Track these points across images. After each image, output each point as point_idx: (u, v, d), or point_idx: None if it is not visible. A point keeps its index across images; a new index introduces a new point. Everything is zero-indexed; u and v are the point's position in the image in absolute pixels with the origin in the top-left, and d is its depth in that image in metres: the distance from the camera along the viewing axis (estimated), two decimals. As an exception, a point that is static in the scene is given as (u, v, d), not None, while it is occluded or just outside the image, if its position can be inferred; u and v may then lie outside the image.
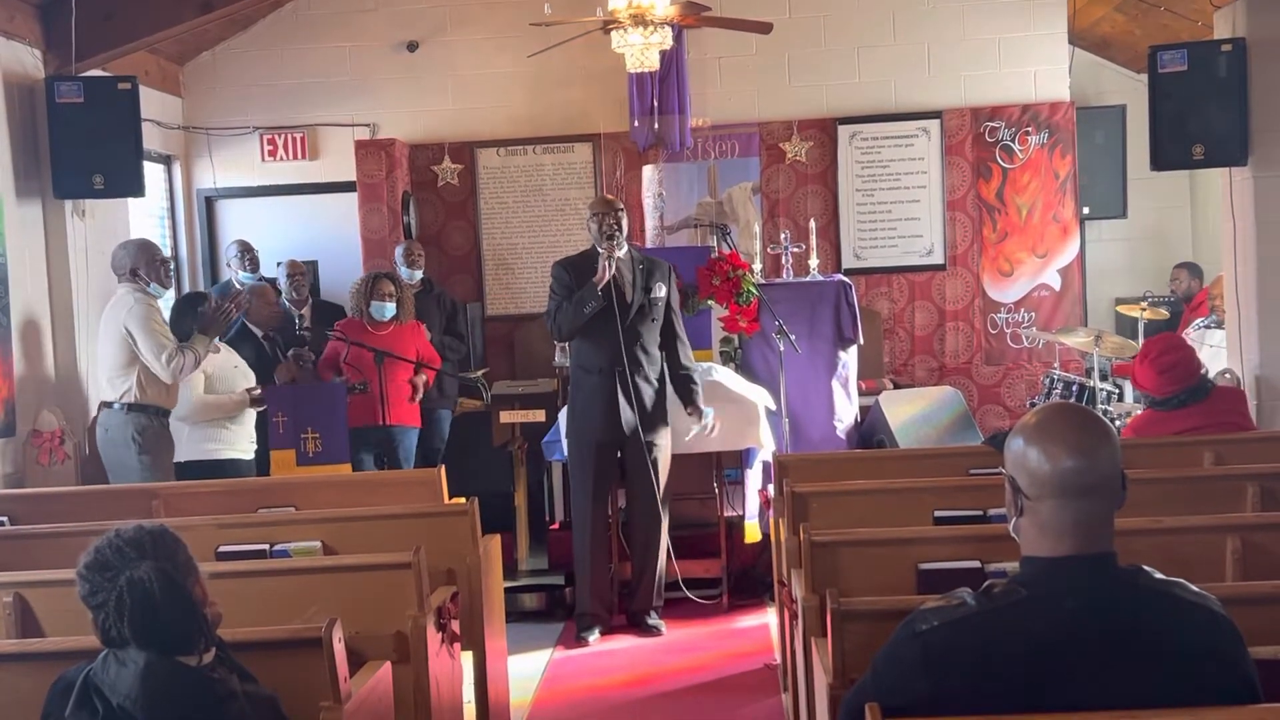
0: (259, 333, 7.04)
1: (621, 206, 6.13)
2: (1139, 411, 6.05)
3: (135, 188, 7.06)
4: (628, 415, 5.96)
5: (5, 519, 4.88)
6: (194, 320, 6.08)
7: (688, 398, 6.15)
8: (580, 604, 6.18)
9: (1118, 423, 7.21)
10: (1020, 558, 2.24)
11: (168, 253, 8.80)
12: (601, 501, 6.16)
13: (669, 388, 6.17)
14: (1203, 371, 5.28)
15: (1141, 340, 7.57)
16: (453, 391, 7.86)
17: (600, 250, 5.97)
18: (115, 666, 2.41)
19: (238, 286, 7.59)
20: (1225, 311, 7.31)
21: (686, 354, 6.22)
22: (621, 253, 6.00)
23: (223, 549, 4.19)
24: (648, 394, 6.03)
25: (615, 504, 6.37)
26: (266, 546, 4.24)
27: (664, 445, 6.13)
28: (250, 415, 6.46)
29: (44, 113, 6.76)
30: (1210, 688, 2.10)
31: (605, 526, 6.25)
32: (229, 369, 6.39)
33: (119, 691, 2.38)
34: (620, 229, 5.99)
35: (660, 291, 6.07)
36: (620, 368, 5.94)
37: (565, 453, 6.33)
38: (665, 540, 6.20)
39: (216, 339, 6.20)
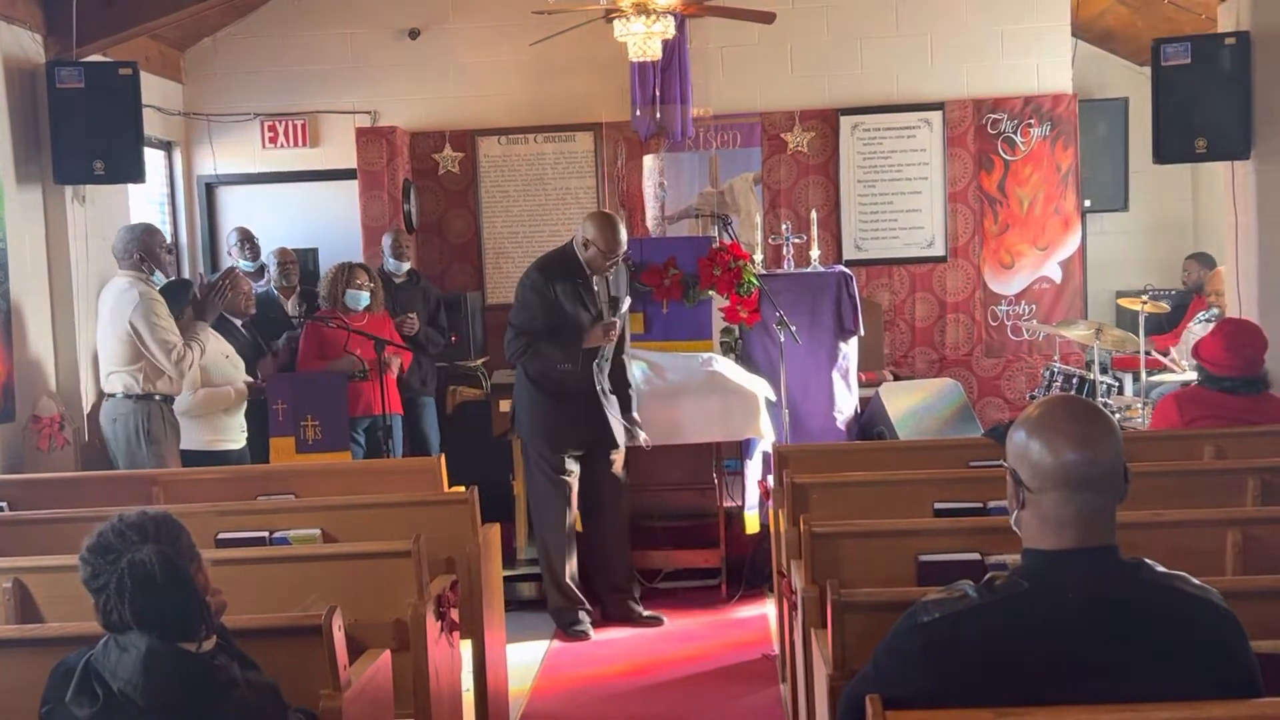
0: (237, 321, 6.99)
1: (623, 246, 5.96)
2: (1175, 389, 6.02)
3: (135, 174, 7.05)
4: (596, 428, 5.95)
5: (4, 504, 4.88)
6: (182, 307, 6.07)
7: (626, 408, 6.16)
8: (561, 598, 6.08)
9: (1122, 414, 7.22)
10: (1022, 550, 2.24)
11: (168, 239, 8.78)
12: (569, 498, 6.05)
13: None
14: (1264, 370, 5.24)
15: (1142, 333, 7.57)
16: (433, 381, 7.87)
17: (585, 262, 5.84)
18: (116, 652, 2.41)
19: (244, 277, 7.57)
20: (1226, 304, 7.30)
21: (629, 363, 6.26)
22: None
23: (222, 536, 4.19)
24: (610, 403, 6.02)
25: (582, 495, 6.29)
26: (266, 534, 4.24)
27: (622, 444, 6.12)
28: (241, 405, 6.46)
29: (44, 98, 6.75)
30: (1212, 681, 2.10)
31: (572, 524, 6.16)
32: (219, 358, 6.35)
33: (120, 677, 2.38)
34: (616, 277, 6.02)
35: (624, 307, 6.12)
36: (589, 391, 5.91)
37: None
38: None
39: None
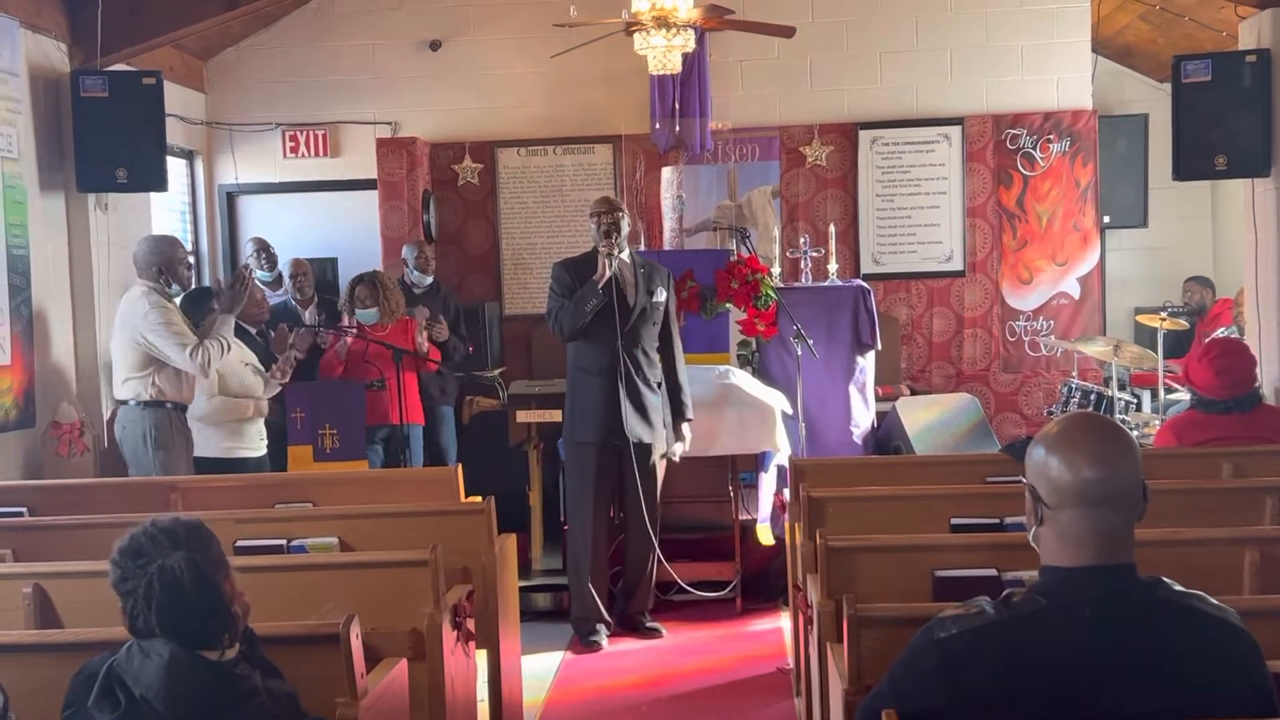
0: (252, 330, 7.02)
1: (621, 207, 6.08)
2: (1177, 413, 6.00)
3: (158, 182, 7.10)
4: (629, 417, 5.92)
5: (24, 510, 4.90)
6: (204, 314, 6.07)
7: (678, 412, 6.14)
8: (583, 608, 6.10)
9: (1140, 431, 7.19)
10: (1040, 567, 2.24)
11: (189, 248, 8.84)
12: (604, 504, 6.10)
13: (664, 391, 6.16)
14: (1256, 384, 5.22)
15: (1161, 350, 7.56)
16: (453, 390, 7.88)
17: (600, 249, 5.95)
18: (140, 658, 2.43)
19: (257, 284, 7.59)
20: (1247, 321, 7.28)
21: (681, 364, 6.19)
22: (623, 255, 5.97)
23: (240, 543, 4.20)
24: (647, 396, 6.00)
25: (616, 506, 6.30)
26: (284, 542, 4.26)
27: (662, 448, 6.12)
28: (261, 414, 6.47)
29: (69, 106, 6.80)
30: (1228, 701, 2.10)
31: (608, 529, 6.19)
32: (239, 366, 6.35)
33: (142, 683, 2.39)
34: (618, 229, 5.94)
35: (660, 295, 6.05)
36: (622, 369, 5.92)
37: (564, 454, 6.30)
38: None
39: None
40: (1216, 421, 5.06)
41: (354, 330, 7.01)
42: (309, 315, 7.87)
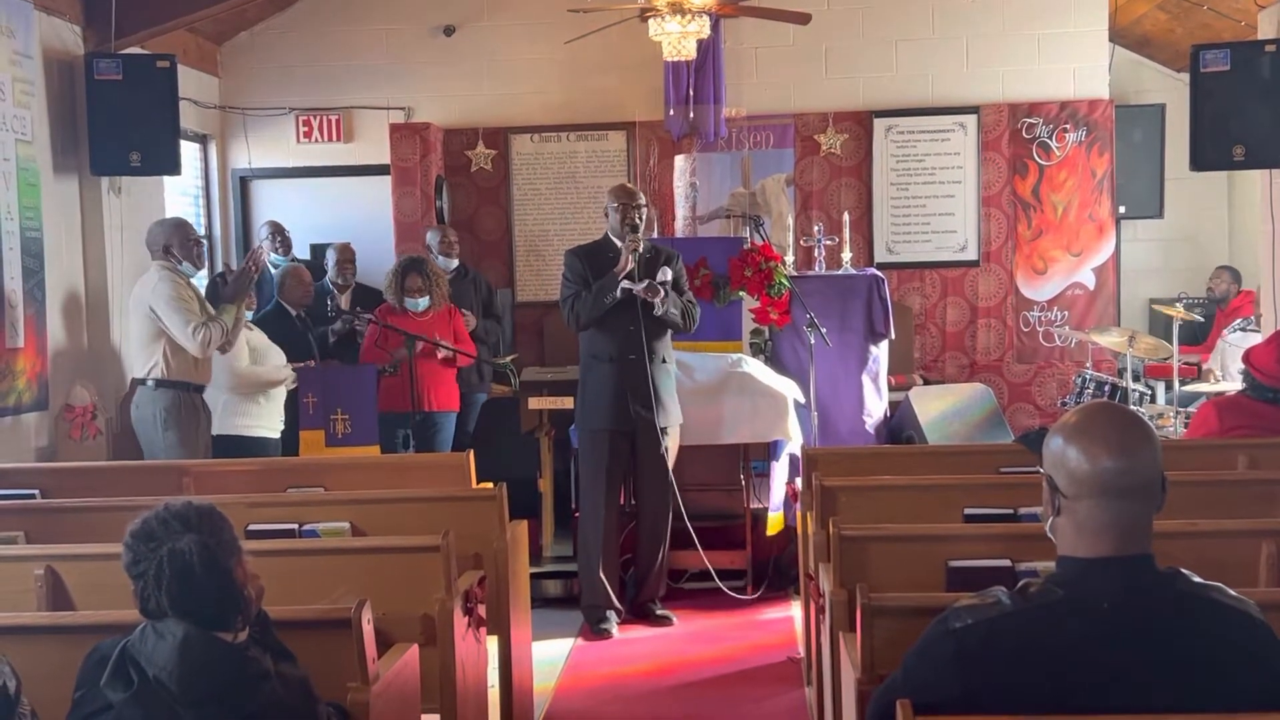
0: (293, 312, 7.06)
1: (644, 199, 6.06)
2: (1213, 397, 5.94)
3: (171, 166, 7.10)
4: (640, 403, 5.92)
5: (37, 492, 4.91)
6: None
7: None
8: (593, 595, 6.08)
9: (1155, 423, 7.16)
10: (1057, 558, 2.22)
11: (202, 232, 8.84)
12: (615, 490, 6.10)
13: (676, 372, 6.14)
14: None
15: (1176, 341, 7.52)
16: (489, 378, 7.86)
17: (621, 241, 5.90)
18: (154, 639, 2.43)
19: (270, 269, 7.60)
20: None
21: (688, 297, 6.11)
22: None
23: (252, 527, 4.20)
24: (659, 382, 5.99)
25: (629, 493, 6.29)
26: (295, 526, 4.25)
27: (674, 434, 6.11)
28: (281, 394, 6.48)
29: (83, 89, 6.81)
30: (1247, 692, 2.08)
31: (619, 516, 6.19)
32: (267, 345, 6.42)
33: (155, 663, 2.40)
34: (643, 220, 5.94)
35: (666, 276, 6.02)
36: (633, 355, 5.90)
37: (576, 441, 6.29)
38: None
39: (249, 315, 6.21)
40: (1261, 410, 4.98)
41: (374, 318, 6.97)
42: (345, 300, 7.84)
